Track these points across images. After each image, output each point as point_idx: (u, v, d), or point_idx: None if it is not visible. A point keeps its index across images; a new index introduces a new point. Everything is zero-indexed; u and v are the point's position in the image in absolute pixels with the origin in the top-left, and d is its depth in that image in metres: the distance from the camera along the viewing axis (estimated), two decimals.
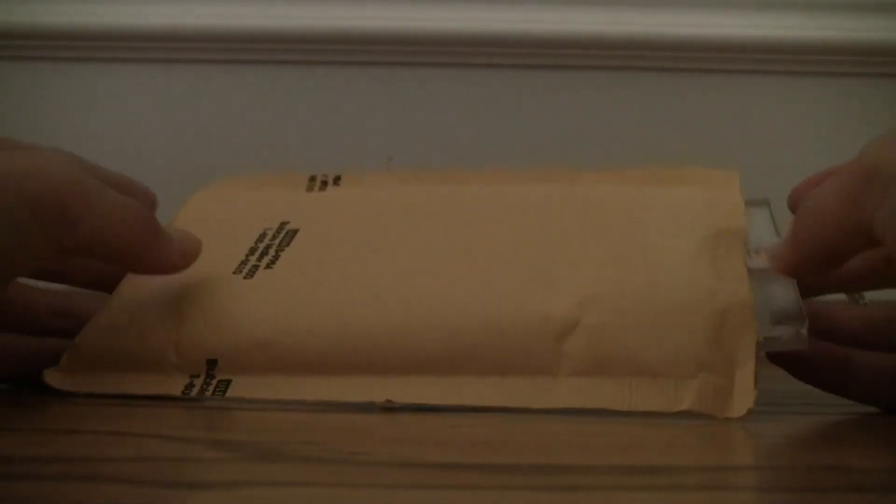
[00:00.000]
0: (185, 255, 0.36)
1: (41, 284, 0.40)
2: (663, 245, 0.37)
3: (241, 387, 0.35)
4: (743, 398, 0.31)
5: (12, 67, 0.77)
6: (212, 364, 0.35)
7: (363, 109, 0.78)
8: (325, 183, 0.45)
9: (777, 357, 0.35)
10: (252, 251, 0.40)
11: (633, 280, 0.35)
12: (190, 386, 0.35)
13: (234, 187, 0.46)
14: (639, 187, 0.41)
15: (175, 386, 0.35)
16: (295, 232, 0.41)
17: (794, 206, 0.36)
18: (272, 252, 0.39)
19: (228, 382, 0.35)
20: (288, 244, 0.40)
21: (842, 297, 0.38)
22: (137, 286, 0.38)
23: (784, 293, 0.34)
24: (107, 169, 0.38)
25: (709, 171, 0.42)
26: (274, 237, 0.40)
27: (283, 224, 0.41)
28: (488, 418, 0.31)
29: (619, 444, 0.28)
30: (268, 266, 0.38)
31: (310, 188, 0.44)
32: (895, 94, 0.77)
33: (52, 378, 0.36)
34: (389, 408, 0.33)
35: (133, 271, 0.38)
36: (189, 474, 0.25)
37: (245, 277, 0.38)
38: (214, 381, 0.35)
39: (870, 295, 0.38)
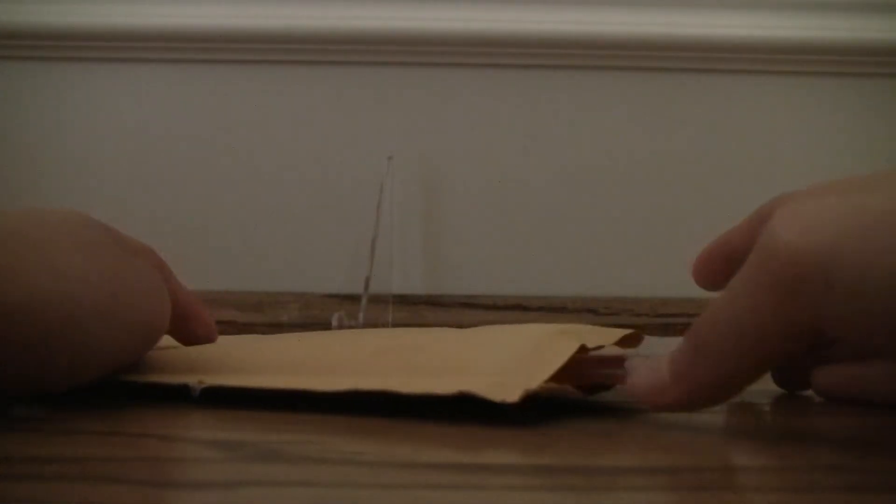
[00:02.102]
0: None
1: None
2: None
3: None
4: (519, 388, 0.30)
5: (12, 67, 0.77)
6: None
7: (363, 109, 0.78)
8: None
9: None
10: None
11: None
12: None
13: None
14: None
15: None
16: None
17: (701, 279, 0.34)
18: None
19: None
20: None
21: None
22: None
23: None
24: (125, 235, 0.38)
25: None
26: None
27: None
28: (489, 418, 0.31)
29: (620, 444, 0.28)
30: None
31: None
32: (895, 94, 0.77)
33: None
34: (203, 391, 0.33)
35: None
36: (189, 474, 0.25)
37: None
38: None
39: None
